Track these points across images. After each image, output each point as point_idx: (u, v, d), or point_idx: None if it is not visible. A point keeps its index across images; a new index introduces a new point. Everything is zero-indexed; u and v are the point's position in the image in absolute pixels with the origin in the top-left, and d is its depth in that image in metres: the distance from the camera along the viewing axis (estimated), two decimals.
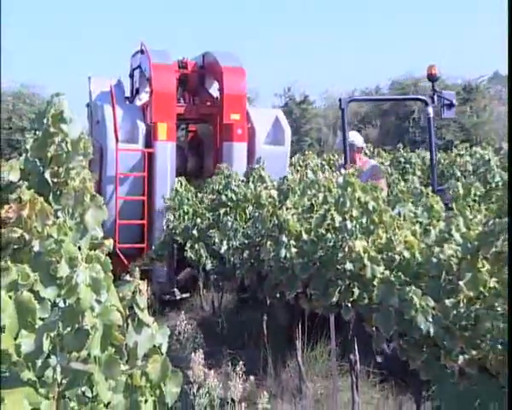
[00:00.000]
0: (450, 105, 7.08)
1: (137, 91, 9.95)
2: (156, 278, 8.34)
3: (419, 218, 4.28)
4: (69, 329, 1.70)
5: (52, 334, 1.65)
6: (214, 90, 9.80)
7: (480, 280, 2.94)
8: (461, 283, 3.02)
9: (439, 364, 3.10)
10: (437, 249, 3.35)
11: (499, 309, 2.75)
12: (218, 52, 9.62)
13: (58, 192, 1.78)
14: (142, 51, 9.40)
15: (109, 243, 1.97)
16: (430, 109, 7.24)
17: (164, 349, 2.09)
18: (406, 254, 3.67)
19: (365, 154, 11.23)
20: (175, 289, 8.37)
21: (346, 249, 4.03)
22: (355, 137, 7.62)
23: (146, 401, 2.00)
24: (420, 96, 7.63)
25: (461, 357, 2.95)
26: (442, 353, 3.06)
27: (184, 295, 8.32)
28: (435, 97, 7.09)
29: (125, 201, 8.58)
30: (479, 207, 3.62)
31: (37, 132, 1.82)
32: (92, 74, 10.08)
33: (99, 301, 1.80)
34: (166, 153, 8.63)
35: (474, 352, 2.90)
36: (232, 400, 3.24)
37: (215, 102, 9.54)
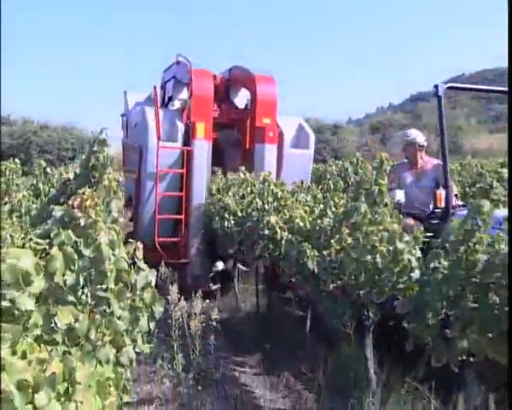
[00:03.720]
0: None
1: (170, 99, 7.46)
2: (192, 271, 6.11)
3: (308, 202, 4.34)
4: (96, 271, 1.70)
5: (85, 273, 1.65)
6: (239, 101, 7.36)
7: (343, 239, 2.97)
8: (332, 241, 3.05)
9: (320, 289, 3.15)
10: (319, 221, 3.37)
11: (353, 255, 2.82)
12: (245, 67, 7.03)
13: (95, 187, 1.78)
14: (178, 63, 7.05)
15: (122, 220, 1.95)
16: None
17: (153, 284, 2.07)
18: (301, 224, 3.70)
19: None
20: (209, 281, 6.04)
21: (265, 222, 4.09)
22: (417, 135, 4.64)
23: (143, 315, 2.00)
24: None
25: (331, 285, 3.00)
26: (321, 283, 3.10)
27: (216, 286, 6.03)
28: None
29: (164, 196, 6.08)
30: (342, 196, 3.70)
31: (81, 151, 1.82)
32: (127, 90, 7.71)
33: (114, 254, 1.79)
34: (204, 151, 6.23)
35: (339, 282, 2.95)
36: (195, 313, 3.26)
37: (242, 109, 7.12)
